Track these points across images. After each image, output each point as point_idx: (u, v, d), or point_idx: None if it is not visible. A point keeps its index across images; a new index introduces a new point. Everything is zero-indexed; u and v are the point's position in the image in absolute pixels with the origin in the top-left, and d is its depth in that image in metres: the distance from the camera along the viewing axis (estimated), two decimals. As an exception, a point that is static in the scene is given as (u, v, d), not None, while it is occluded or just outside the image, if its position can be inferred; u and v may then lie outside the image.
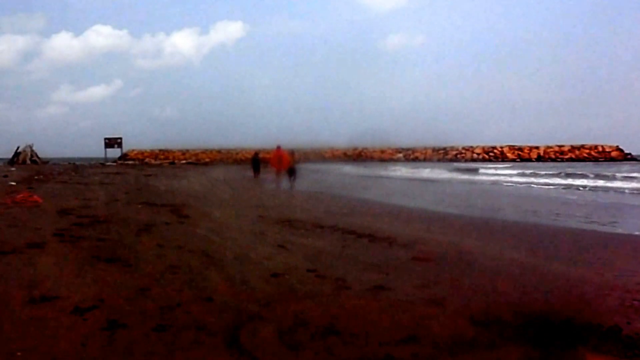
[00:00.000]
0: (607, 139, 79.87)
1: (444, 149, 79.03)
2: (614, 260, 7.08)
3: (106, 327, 3.72)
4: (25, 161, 50.87)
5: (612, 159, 71.50)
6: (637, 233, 10.05)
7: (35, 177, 23.04)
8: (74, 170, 32.92)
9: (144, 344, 3.47)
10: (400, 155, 78.45)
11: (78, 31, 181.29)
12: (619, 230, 10.51)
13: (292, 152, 22.93)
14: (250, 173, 27.49)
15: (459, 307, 4.41)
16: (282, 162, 22.55)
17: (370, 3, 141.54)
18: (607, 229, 10.60)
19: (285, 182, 21.89)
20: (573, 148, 78.03)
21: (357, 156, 74.56)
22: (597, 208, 15.25)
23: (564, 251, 7.70)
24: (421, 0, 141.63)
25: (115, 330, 3.68)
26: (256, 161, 27.25)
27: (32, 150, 53.97)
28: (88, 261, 5.89)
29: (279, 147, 23.30)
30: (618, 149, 76.92)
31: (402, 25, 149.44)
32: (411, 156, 77.94)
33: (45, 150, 60.52)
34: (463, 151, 78.72)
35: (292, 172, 22.06)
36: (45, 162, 52.91)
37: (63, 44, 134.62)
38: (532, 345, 3.54)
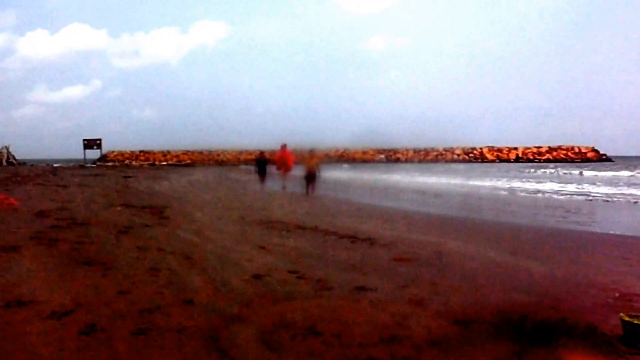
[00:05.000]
0: (583, 141, 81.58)
1: (425, 150, 79.71)
2: (589, 259, 7.21)
3: (84, 332, 3.67)
4: (1, 163, 49.90)
5: (588, 160, 73.00)
6: (611, 232, 10.24)
7: (12, 179, 22.63)
8: (52, 172, 32.37)
9: (123, 348, 3.43)
10: (382, 156, 78.89)
11: (54, 29, 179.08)
12: (596, 230, 10.72)
13: (311, 153, 18.75)
14: (243, 176, 23.94)
15: (439, 306, 4.45)
16: (287, 164, 20.03)
17: (351, 5, 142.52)
18: (584, 228, 10.80)
19: (291, 187, 19.37)
20: (550, 149, 79.42)
21: (339, 157, 74.77)
22: None
23: (542, 251, 7.81)
24: (401, 3, 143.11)
25: (94, 335, 3.63)
26: (262, 163, 22.44)
27: (8, 152, 52.95)
28: (66, 264, 5.80)
29: (284, 147, 20.39)
30: (594, 150, 78.53)
31: (383, 28, 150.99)
32: (393, 157, 78.44)
33: (23, 151, 59.79)
34: (443, 152, 79.50)
35: (310, 178, 18.17)
36: (22, 163, 51.97)
37: (38, 43, 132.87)
38: (510, 343, 3.58)
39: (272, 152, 22.81)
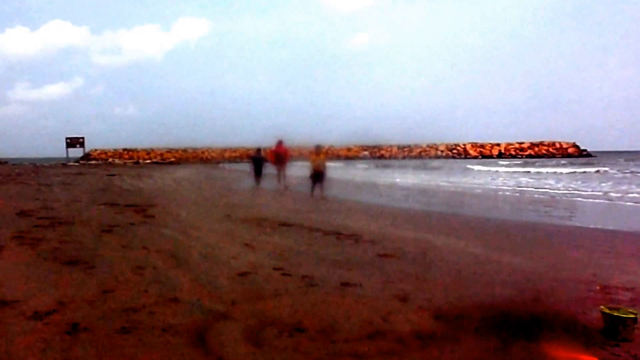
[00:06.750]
0: (564, 136, 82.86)
1: (409, 146, 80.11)
2: (570, 253, 7.32)
3: (68, 331, 3.64)
4: (-19, 162, 49.14)
5: (569, 155, 73.96)
6: (592, 226, 10.39)
7: (-7, 179, 22.30)
8: (34, 171, 31.97)
9: (107, 347, 3.42)
10: (366, 153, 79.11)
11: (34, 26, 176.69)
12: (576, 224, 10.87)
13: (318, 150, 16.64)
14: (228, 174, 22.58)
15: (424, 302, 4.49)
16: (283, 161, 19.03)
17: (334, 3, 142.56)
18: (564, 222, 10.95)
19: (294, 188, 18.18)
20: (532, 145, 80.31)
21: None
22: None
23: (524, 245, 7.90)
24: (383, 0, 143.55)
25: (77, 334, 3.60)
26: (258, 161, 20.66)
27: (-12, 151, 52.22)
28: (48, 264, 5.75)
29: (280, 143, 19.26)
30: (574, 145, 79.58)
31: (366, 25, 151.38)
32: (377, 154, 78.71)
33: (3, 150, 59.08)
34: (427, 149, 79.89)
35: (318, 177, 16.03)
36: (3, 162, 51.27)
37: (18, 40, 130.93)
38: (494, 337, 3.63)
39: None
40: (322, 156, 16.56)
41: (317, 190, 15.97)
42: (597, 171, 35.23)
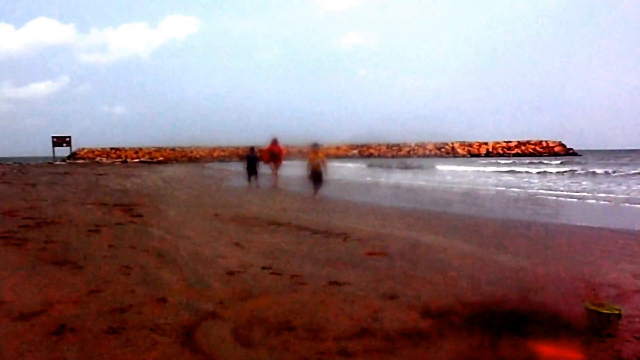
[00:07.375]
0: (553, 136, 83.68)
1: (398, 145, 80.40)
2: (555, 250, 7.39)
3: (54, 332, 3.62)
4: (-35, 161, 48.50)
5: (556, 154, 74.69)
6: (577, 224, 10.50)
7: (-23, 178, 22.03)
8: (20, 170, 31.62)
9: (95, 348, 3.39)
10: (355, 152, 79.26)
11: (19, 24, 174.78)
12: (563, 222, 10.99)
13: (315, 148, 16.26)
14: (217, 173, 22.54)
15: (412, 300, 4.51)
16: (277, 159, 18.92)
17: (325, 2, 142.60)
18: (549, 220, 11.06)
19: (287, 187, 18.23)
20: (519, 144, 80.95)
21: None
22: None
23: (510, 243, 7.96)
24: (374, 1, 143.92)
25: (64, 335, 3.58)
26: (252, 160, 20.24)
27: (-27, 150, 51.59)
28: (35, 264, 5.70)
29: (274, 141, 19.14)
30: (561, 144, 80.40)
31: (358, 24, 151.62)
32: (366, 153, 78.92)
33: (-12, 150, 58.29)
34: (416, 147, 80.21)
35: (317, 177, 15.86)
36: (-13, 162, 50.63)
37: (3, 37, 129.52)
38: (481, 334, 3.66)
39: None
40: (320, 155, 16.19)
41: (316, 190, 15.81)
42: (572, 171, 35.56)
